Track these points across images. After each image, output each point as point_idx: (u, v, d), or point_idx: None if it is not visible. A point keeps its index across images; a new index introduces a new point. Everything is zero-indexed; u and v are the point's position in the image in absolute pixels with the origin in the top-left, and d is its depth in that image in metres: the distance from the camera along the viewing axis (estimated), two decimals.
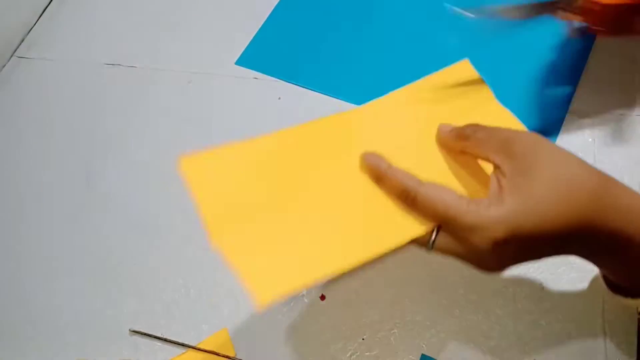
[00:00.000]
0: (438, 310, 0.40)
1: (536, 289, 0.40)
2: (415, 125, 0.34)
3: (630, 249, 0.28)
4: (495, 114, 0.35)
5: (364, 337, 0.40)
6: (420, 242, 0.30)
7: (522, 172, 0.27)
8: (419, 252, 0.42)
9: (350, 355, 0.40)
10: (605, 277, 0.34)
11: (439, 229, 0.29)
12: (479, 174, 0.32)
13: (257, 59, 0.56)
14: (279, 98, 0.53)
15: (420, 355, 0.39)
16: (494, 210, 0.26)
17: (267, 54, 0.56)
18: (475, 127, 0.30)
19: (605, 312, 0.38)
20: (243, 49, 0.57)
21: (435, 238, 0.29)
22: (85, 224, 0.50)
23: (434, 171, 0.32)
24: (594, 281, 0.39)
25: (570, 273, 0.40)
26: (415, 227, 0.30)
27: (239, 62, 0.56)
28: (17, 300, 0.48)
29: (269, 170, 0.32)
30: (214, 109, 0.54)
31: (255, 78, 0.55)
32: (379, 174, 0.31)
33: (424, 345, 0.39)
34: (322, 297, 0.42)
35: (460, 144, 0.31)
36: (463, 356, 0.39)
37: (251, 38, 0.58)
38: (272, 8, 0.59)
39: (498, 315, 0.39)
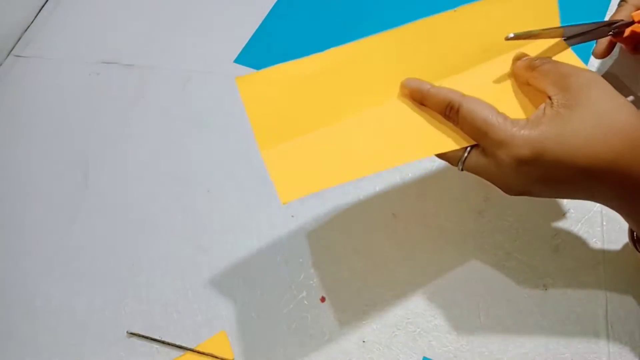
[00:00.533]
0: (440, 312, 0.40)
1: (537, 290, 0.39)
2: (479, 43, 0.35)
3: None
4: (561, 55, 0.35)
5: (365, 339, 0.40)
6: (453, 161, 0.32)
7: (569, 105, 0.28)
8: (420, 255, 0.42)
9: (351, 358, 0.40)
10: (632, 234, 0.35)
11: (471, 149, 0.31)
12: (534, 104, 0.33)
13: (256, 57, 0.56)
14: None
15: (421, 358, 0.39)
16: (526, 131, 0.28)
17: (266, 52, 0.56)
18: (544, 59, 0.31)
19: (609, 312, 0.38)
20: (242, 47, 0.57)
21: (467, 156, 0.31)
22: (83, 224, 0.50)
23: (490, 90, 0.33)
24: (595, 281, 0.39)
25: (572, 274, 0.39)
26: (449, 142, 0.32)
27: (238, 60, 0.56)
28: (16, 301, 0.48)
29: (316, 86, 0.35)
30: (213, 108, 0.54)
31: None
32: (423, 94, 0.33)
33: (425, 348, 0.39)
34: (322, 299, 0.42)
35: (527, 74, 0.32)
36: (465, 358, 0.38)
37: (250, 36, 0.57)
38: (271, 6, 0.59)
39: (498, 317, 0.39)
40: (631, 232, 0.35)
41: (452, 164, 0.33)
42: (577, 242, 0.40)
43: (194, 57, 0.58)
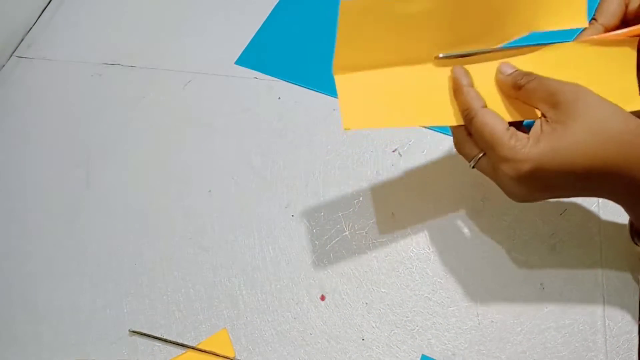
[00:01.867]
0: (438, 310, 0.40)
1: (535, 289, 0.39)
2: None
3: None
4: None
5: (364, 337, 0.40)
6: (467, 158, 0.35)
7: (561, 121, 0.30)
8: (419, 254, 0.42)
9: (350, 356, 0.40)
10: (632, 226, 0.36)
11: (484, 154, 0.34)
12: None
13: (257, 58, 0.56)
14: (279, 98, 0.53)
15: (420, 356, 0.39)
16: (527, 149, 0.30)
17: (266, 53, 0.56)
18: (529, 77, 0.33)
19: (606, 311, 0.38)
20: (243, 49, 0.57)
21: (480, 158, 0.34)
22: (85, 224, 0.50)
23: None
24: (592, 280, 0.39)
25: (570, 273, 0.39)
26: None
27: (239, 62, 0.56)
28: (18, 300, 0.48)
29: (404, 26, 0.36)
30: (214, 109, 0.54)
31: (255, 78, 0.55)
32: (458, 87, 0.34)
33: (424, 346, 0.39)
34: (322, 298, 0.42)
35: (514, 92, 0.34)
36: (463, 356, 0.38)
37: (251, 38, 0.57)
38: (272, 8, 0.59)
39: (496, 316, 0.39)
40: (631, 224, 0.36)
41: (466, 160, 0.35)
42: (574, 241, 0.40)
43: (195, 58, 0.58)
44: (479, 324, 0.39)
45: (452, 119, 0.35)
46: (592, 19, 0.35)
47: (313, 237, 0.45)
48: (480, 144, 0.33)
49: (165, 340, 0.43)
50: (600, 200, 0.41)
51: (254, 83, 0.54)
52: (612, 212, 0.41)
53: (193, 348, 0.42)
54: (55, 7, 0.67)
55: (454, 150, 0.46)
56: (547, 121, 0.31)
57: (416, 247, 0.43)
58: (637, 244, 0.36)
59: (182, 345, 0.43)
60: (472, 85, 0.35)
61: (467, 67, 0.35)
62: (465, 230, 0.42)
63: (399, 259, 0.43)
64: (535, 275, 0.40)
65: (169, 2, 0.63)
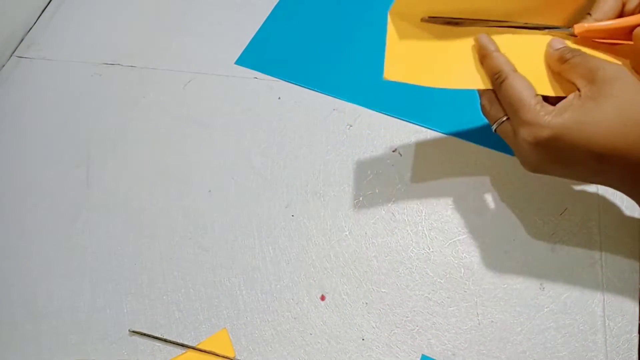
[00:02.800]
0: (438, 310, 0.40)
1: (535, 289, 0.39)
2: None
3: None
4: None
5: (364, 337, 0.40)
6: (491, 120, 0.36)
7: (594, 97, 0.30)
8: (419, 254, 0.42)
9: (350, 356, 0.40)
10: None
11: (508, 117, 0.34)
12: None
13: (257, 58, 0.56)
14: (279, 98, 0.53)
15: (420, 356, 0.39)
16: (551, 116, 0.31)
17: (266, 53, 0.56)
18: (574, 52, 0.33)
19: (606, 311, 0.38)
20: (243, 49, 0.57)
21: (503, 121, 0.35)
22: (85, 224, 0.50)
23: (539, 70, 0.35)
24: (592, 280, 0.39)
25: (570, 273, 0.40)
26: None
27: (239, 62, 0.56)
28: (18, 299, 0.48)
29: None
30: (214, 108, 0.54)
31: (255, 78, 0.55)
32: (486, 53, 0.35)
33: (424, 346, 0.39)
34: (322, 298, 0.42)
35: (559, 66, 0.34)
36: (463, 356, 0.38)
37: (251, 38, 0.57)
38: (272, 8, 0.59)
39: (496, 316, 0.39)
40: None
41: (490, 122, 0.36)
42: (574, 241, 0.40)
43: (195, 58, 0.58)
44: (479, 324, 0.39)
45: (481, 82, 0.36)
46: (587, 13, 0.35)
47: (313, 237, 0.45)
48: (505, 107, 0.34)
49: (165, 340, 0.43)
50: (601, 200, 0.41)
51: (254, 83, 0.54)
52: (612, 212, 0.41)
53: (193, 348, 0.42)
54: (55, 7, 0.67)
55: (455, 150, 0.46)
56: (580, 96, 0.31)
57: (416, 247, 0.43)
58: None
59: (182, 345, 0.43)
60: (498, 50, 0.35)
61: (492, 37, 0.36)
62: (465, 230, 0.42)
63: (399, 259, 0.43)
64: (535, 275, 0.40)
65: (169, 2, 0.63)
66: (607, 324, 0.37)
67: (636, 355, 0.36)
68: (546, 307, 0.39)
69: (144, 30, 0.62)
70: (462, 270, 0.41)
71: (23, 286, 0.49)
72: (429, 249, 0.42)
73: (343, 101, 0.51)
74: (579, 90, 0.32)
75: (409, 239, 0.43)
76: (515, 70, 0.34)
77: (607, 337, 0.37)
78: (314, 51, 0.55)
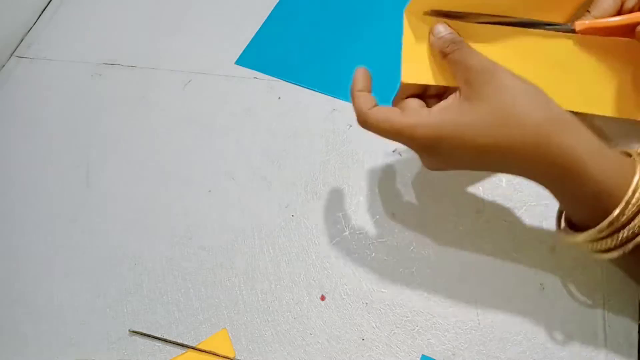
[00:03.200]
0: (438, 310, 0.40)
1: (535, 289, 0.39)
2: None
3: (565, 184, 0.30)
4: None
5: (364, 337, 0.40)
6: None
7: (470, 98, 0.31)
8: (419, 254, 0.42)
9: (350, 356, 0.40)
10: (559, 215, 0.36)
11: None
12: None
13: (257, 58, 0.56)
14: (279, 98, 0.53)
15: (420, 356, 0.39)
16: (427, 115, 0.32)
17: (266, 53, 0.56)
18: (455, 45, 0.33)
19: (606, 312, 0.38)
20: (243, 49, 0.57)
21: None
22: (85, 224, 0.50)
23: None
24: (592, 280, 0.39)
25: (570, 273, 0.40)
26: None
27: (239, 62, 0.56)
28: (18, 300, 0.48)
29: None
30: (214, 109, 0.54)
31: (255, 78, 0.55)
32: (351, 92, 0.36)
33: (424, 346, 0.39)
34: (322, 298, 0.42)
35: (443, 58, 0.34)
36: (463, 356, 0.38)
37: (251, 38, 0.57)
38: (272, 8, 0.59)
39: (496, 316, 0.39)
40: (560, 212, 0.36)
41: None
42: None
43: (195, 58, 0.58)
44: (479, 324, 0.39)
45: None
46: (587, 10, 0.35)
47: (313, 237, 0.45)
48: (388, 137, 0.34)
49: (165, 340, 0.43)
50: None
51: (254, 83, 0.54)
52: None
53: (193, 348, 0.42)
54: (55, 7, 0.67)
55: None
56: (460, 96, 0.32)
57: (416, 247, 0.43)
58: (561, 231, 0.35)
59: (182, 345, 0.43)
60: (365, 89, 0.35)
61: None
62: (466, 230, 0.42)
63: (399, 259, 0.43)
64: (535, 275, 0.40)
65: (169, 2, 0.63)
66: (607, 324, 0.37)
67: (636, 355, 0.36)
68: (546, 307, 0.39)
69: (144, 30, 0.62)
70: (462, 270, 0.41)
71: (23, 286, 0.49)
72: (429, 249, 0.42)
73: (343, 101, 0.51)
74: (459, 89, 0.32)
75: (409, 239, 0.43)
76: (372, 105, 0.34)
77: (607, 337, 0.37)
78: (314, 51, 0.55)
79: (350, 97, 0.35)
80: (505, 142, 0.30)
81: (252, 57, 0.56)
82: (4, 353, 0.46)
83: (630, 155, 0.31)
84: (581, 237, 0.31)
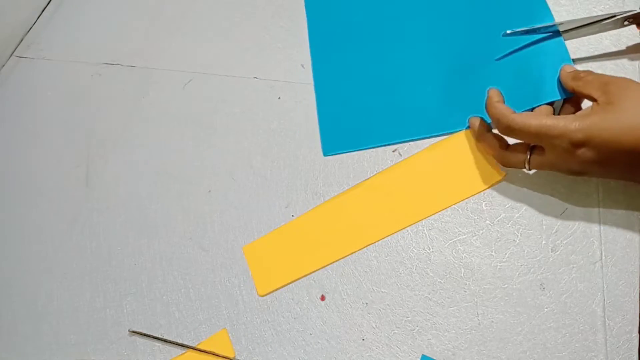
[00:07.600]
0: (438, 310, 0.40)
1: (535, 288, 0.39)
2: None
3: None
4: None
5: (364, 337, 0.40)
6: (519, 166, 0.40)
7: (611, 101, 0.35)
8: (419, 254, 0.42)
9: (350, 356, 0.40)
10: None
11: (531, 151, 0.38)
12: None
13: (338, 141, 0.49)
14: (279, 98, 0.53)
15: (420, 356, 0.39)
16: (577, 121, 0.34)
17: (340, 132, 0.50)
18: (586, 72, 0.39)
19: (606, 311, 0.38)
20: (243, 49, 0.57)
21: (530, 158, 0.39)
22: (85, 224, 0.50)
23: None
24: (592, 279, 0.39)
25: (570, 273, 0.40)
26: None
27: (326, 153, 0.49)
28: (17, 300, 0.48)
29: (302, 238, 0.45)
30: (213, 108, 0.54)
31: (255, 78, 0.55)
32: (488, 104, 0.40)
33: (424, 346, 0.39)
34: (322, 298, 0.42)
35: (573, 83, 0.39)
36: (463, 356, 0.38)
37: (251, 38, 0.57)
38: (272, 8, 0.59)
39: (497, 316, 0.39)
40: None
41: (518, 167, 0.40)
42: (574, 240, 0.40)
43: (194, 58, 0.58)
44: (479, 324, 0.39)
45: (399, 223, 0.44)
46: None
47: None
48: (530, 140, 0.38)
49: (165, 340, 0.43)
50: (600, 200, 0.41)
51: (254, 83, 0.54)
52: (612, 212, 0.41)
53: (193, 348, 0.42)
54: (55, 7, 0.67)
55: None
56: (598, 103, 0.35)
57: (416, 247, 0.43)
58: None
59: (182, 345, 0.43)
60: (501, 101, 0.40)
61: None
62: (466, 230, 0.42)
63: (399, 259, 0.43)
64: (535, 275, 0.40)
65: (169, 2, 0.63)
66: (607, 324, 0.37)
67: (636, 355, 0.36)
68: (546, 307, 0.39)
69: (144, 30, 0.62)
70: (462, 270, 0.41)
71: (23, 287, 0.49)
72: (429, 249, 0.42)
73: None
74: (595, 100, 0.36)
75: (409, 239, 0.43)
76: (512, 112, 0.38)
77: (607, 337, 0.37)
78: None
79: (488, 108, 0.40)
80: None
81: (333, 142, 0.49)
82: (4, 353, 0.46)
83: None
84: None
